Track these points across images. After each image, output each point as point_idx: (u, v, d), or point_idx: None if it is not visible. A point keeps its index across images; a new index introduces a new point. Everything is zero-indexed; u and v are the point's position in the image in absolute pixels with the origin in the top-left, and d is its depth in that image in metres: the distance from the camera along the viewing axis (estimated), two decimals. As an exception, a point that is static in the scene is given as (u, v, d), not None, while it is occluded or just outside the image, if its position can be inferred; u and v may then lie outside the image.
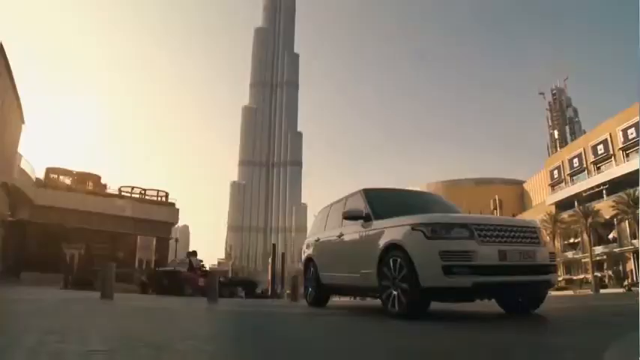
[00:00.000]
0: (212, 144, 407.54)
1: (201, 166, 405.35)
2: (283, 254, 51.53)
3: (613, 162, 53.74)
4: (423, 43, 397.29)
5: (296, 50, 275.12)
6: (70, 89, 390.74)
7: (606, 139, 54.88)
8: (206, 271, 21.74)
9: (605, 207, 50.60)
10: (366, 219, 6.34)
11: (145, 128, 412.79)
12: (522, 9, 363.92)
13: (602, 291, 34.85)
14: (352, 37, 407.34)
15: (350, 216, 6.63)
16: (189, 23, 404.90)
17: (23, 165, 37.82)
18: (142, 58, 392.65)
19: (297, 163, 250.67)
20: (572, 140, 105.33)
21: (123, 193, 53.22)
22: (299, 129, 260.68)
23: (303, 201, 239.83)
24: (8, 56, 29.89)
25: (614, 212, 48.76)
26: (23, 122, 36.82)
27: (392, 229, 5.62)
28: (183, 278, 22.08)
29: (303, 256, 8.93)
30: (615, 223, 50.59)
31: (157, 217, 53.74)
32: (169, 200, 57.15)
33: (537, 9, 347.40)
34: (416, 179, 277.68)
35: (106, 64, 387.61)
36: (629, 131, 50.79)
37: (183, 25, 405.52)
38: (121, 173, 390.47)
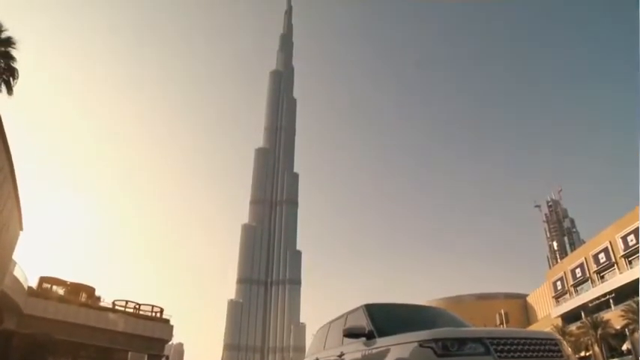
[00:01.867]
0: (211, 261, 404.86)
1: (199, 283, 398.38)
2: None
3: (616, 270, 53.01)
4: (419, 156, 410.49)
5: (296, 170, 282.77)
6: (70, 197, 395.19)
7: (607, 247, 54.56)
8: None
9: (615, 317, 49.01)
10: (369, 336, 5.89)
11: (143, 241, 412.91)
12: (517, 122, 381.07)
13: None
14: (351, 155, 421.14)
15: (351, 333, 6.12)
16: (194, 141, 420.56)
17: (16, 272, 37.15)
18: (144, 168, 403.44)
19: (296, 282, 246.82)
20: (571, 251, 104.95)
21: (117, 307, 51.67)
22: (298, 247, 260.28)
23: (301, 320, 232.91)
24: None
25: (625, 322, 47.11)
26: (22, 229, 36.79)
27: (398, 347, 5.10)
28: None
29: None
30: (627, 333, 48.69)
31: (150, 334, 51.79)
32: (164, 316, 55.38)
33: (533, 120, 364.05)
34: (417, 295, 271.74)
35: (106, 171, 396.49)
36: (629, 238, 50.66)
37: (188, 142, 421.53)
38: (117, 286, 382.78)
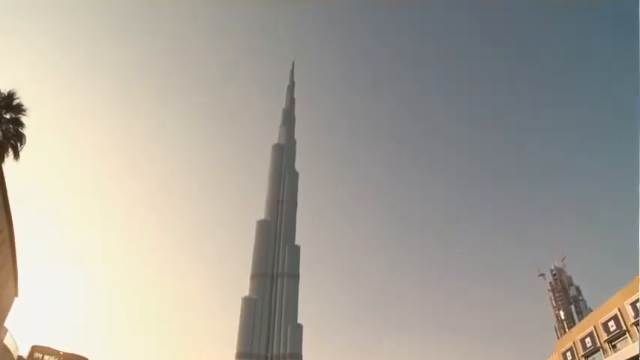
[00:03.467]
0: (210, 335, 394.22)
1: (199, 357, 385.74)
2: None
3: (628, 338, 51.23)
4: (422, 225, 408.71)
5: (297, 242, 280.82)
6: (67, 267, 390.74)
7: (616, 315, 52.99)
8: None
9: (632, 388, 46.91)
10: None
11: (139, 312, 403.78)
12: (521, 187, 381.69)
13: None
14: (353, 228, 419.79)
15: None
16: (194, 209, 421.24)
17: (7, 341, 36.01)
18: (143, 235, 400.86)
19: (297, 357, 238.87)
20: (579, 319, 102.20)
21: (110, 380, 49.79)
22: (299, 321, 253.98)
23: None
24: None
25: (643, 394, 45.05)
26: (17, 295, 36.07)
27: None
28: None
29: None
30: (648, 404, 46.40)
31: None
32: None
33: (530, 186, 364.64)
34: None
35: (105, 242, 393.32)
36: (639, 304, 49.36)
37: (187, 211, 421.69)
38: (111, 356, 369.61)
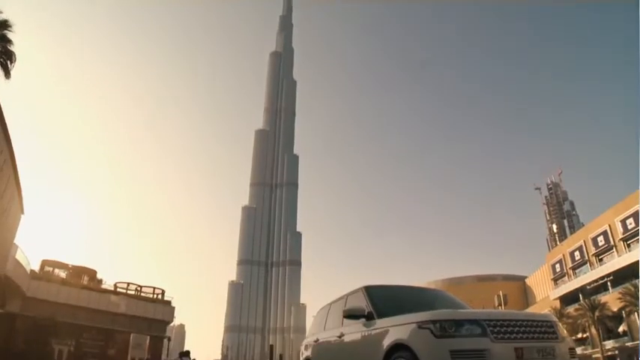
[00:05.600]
0: (211, 242, 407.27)
1: (200, 265, 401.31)
2: (281, 356, 49.63)
3: (615, 253, 53.25)
4: (419, 140, 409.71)
5: (296, 151, 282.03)
6: (70, 182, 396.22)
7: (606, 231, 54.72)
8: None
9: (612, 299, 49.42)
10: (369, 317, 5.97)
11: (144, 225, 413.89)
12: (517, 105, 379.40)
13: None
14: (351, 138, 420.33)
15: (351, 314, 6.23)
16: (193, 122, 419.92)
17: (18, 256, 37.34)
18: (144, 153, 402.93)
19: (297, 263, 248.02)
20: (571, 233, 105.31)
21: (118, 289, 52.09)
22: (298, 229, 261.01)
23: (302, 301, 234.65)
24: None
25: (622, 304, 47.52)
26: (23, 212, 36.88)
27: (397, 328, 5.20)
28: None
29: (302, 358, 8.48)
30: (624, 315, 49.15)
31: (152, 315, 52.25)
32: (166, 298, 55.85)
33: (532, 102, 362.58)
34: (416, 277, 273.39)
35: (108, 158, 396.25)
36: (628, 221, 50.80)
37: (185, 124, 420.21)
38: (118, 269, 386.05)
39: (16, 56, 25.24)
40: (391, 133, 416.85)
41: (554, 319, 5.30)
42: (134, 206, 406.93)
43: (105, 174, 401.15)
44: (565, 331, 5.32)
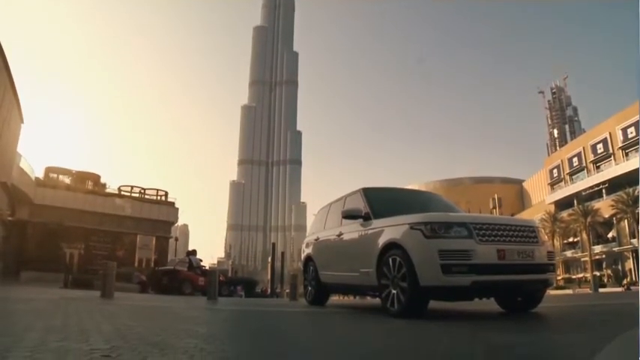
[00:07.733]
0: (211, 143, 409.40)
1: (201, 166, 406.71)
2: (283, 253, 51.54)
3: (612, 161, 53.77)
4: (421, 44, 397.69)
5: (295, 49, 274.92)
6: (69, 90, 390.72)
7: (606, 139, 54.92)
8: (206, 270, 21.53)
9: (605, 206, 50.66)
10: (366, 218, 6.35)
11: (144, 128, 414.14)
12: (523, 12, 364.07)
13: (601, 290, 34.78)
14: (351, 36, 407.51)
15: (349, 215, 6.63)
16: (188, 21, 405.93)
17: (22, 164, 37.60)
18: (140, 56, 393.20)
19: (297, 162, 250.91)
20: (571, 139, 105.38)
21: (122, 193, 52.96)
22: (298, 128, 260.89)
23: (302, 200, 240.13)
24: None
25: (614, 211, 48.80)
26: (22, 121, 36.64)
27: (391, 228, 5.62)
28: (182, 277, 21.92)
29: (303, 255, 8.97)
30: (614, 222, 50.65)
31: (156, 216, 53.44)
32: (169, 199, 56.86)
33: (538, 11, 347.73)
34: (415, 178, 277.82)
35: (104, 63, 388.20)
36: (629, 130, 50.84)
37: (182, 24, 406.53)
38: (121, 173, 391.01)
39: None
40: (392, 35, 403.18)
41: (537, 224, 5.83)
42: (132, 110, 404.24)
43: (102, 80, 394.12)
44: (546, 237, 5.87)
